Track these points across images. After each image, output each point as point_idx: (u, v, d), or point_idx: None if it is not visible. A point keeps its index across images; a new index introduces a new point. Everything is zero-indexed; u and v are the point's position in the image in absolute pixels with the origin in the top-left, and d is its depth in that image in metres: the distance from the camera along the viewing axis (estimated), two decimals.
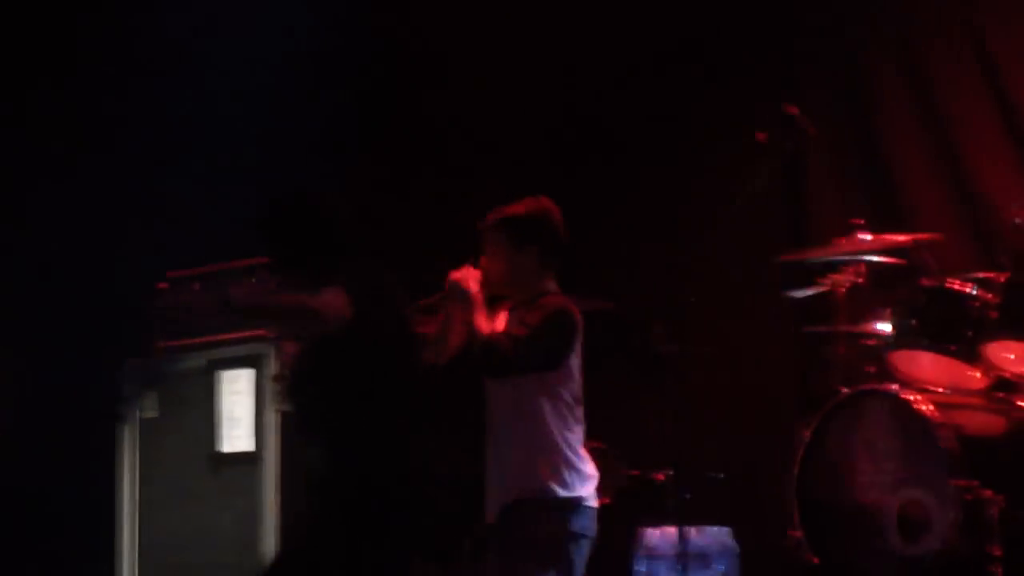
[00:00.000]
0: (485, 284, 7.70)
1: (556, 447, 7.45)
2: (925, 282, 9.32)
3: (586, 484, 7.44)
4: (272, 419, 9.55)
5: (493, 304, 7.81)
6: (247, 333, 9.71)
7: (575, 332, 7.58)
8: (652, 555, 9.48)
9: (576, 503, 7.44)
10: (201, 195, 11.15)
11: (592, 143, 11.48)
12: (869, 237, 9.62)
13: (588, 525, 7.44)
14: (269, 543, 9.41)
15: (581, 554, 7.45)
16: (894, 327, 9.34)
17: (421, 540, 7.14)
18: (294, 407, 7.36)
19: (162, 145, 11.38)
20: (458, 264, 7.69)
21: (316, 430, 7.11)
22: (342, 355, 6.98)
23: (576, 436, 7.51)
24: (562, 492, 7.41)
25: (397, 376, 7.20)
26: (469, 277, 7.66)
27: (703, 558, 9.63)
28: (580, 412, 7.58)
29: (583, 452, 7.51)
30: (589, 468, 7.49)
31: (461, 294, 7.63)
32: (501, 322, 7.72)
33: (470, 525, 9.53)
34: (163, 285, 10.11)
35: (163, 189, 11.11)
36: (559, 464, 7.42)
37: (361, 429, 7.02)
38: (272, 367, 9.57)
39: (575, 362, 7.59)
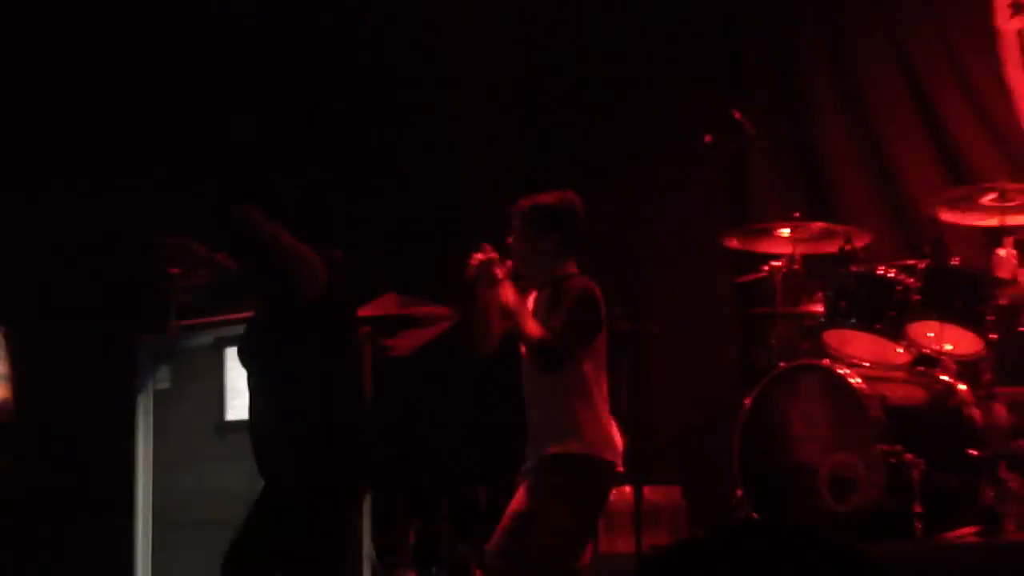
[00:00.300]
0: (517, 267, 7.77)
1: (586, 412, 7.56)
2: (854, 268, 9.23)
3: (610, 447, 7.55)
4: None
5: (518, 283, 7.89)
6: (251, 312, 9.62)
7: (600, 310, 7.68)
8: (609, 510, 9.44)
9: (597, 461, 7.54)
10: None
11: (555, 146, 11.47)
12: (805, 227, 9.59)
13: (607, 482, 7.61)
14: None
15: (599, 505, 7.68)
16: (826, 309, 9.26)
17: (364, 474, 7.03)
18: (255, 363, 7.14)
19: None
20: (477, 248, 7.78)
21: (277, 384, 6.94)
22: (306, 318, 6.85)
23: (603, 403, 7.64)
24: (589, 451, 7.51)
25: (348, 339, 7.09)
26: (493, 261, 7.78)
27: (656, 513, 9.58)
28: (604, 381, 7.70)
29: (608, 418, 7.63)
30: (614, 432, 7.60)
31: (490, 277, 7.75)
32: (531, 302, 7.81)
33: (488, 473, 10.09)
34: (175, 270, 10.01)
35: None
36: (588, 427, 7.54)
37: (318, 383, 6.87)
38: None
39: (600, 336, 7.70)
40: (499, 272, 7.85)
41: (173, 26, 11.32)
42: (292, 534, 6.91)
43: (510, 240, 7.84)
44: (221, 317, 9.77)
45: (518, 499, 7.65)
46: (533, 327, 7.55)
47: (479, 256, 7.87)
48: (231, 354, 9.61)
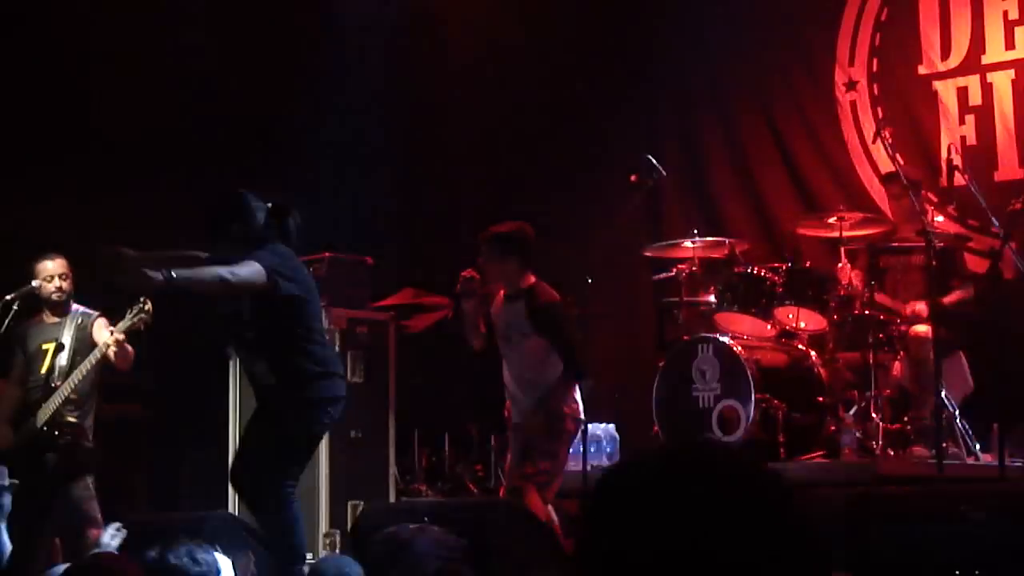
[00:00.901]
0: (483, 279, 7.78)
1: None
2: (737, 269, 9.30)
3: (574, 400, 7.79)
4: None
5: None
6: None
7: (570, 315, 7.88)
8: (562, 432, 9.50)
9: (567, 412, 7.80)
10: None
11: (517, 183, 11.43)
12: (702, 240, 9.60)
13: (576, 421, 7.83)
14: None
15: (573, 436, 7.85)
16: (717, 298, 9.29)
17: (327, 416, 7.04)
18: (242, 341, 7.12)
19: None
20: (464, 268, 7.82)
21: (260, 354, 6.93)
22: (269, 307, 6.75)
23: None
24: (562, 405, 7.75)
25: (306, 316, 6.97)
26: (475, 280, 7.83)
27: (598, 441, 9.70)
28: None
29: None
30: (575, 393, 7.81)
31: (472, 292, 7.85)
32: (498, 305, 7.78)
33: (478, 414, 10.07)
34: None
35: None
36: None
37: (289, 350, 6.86)
38: (324, 323, 9.54)
39: None
40: (477, 288, 8.02)
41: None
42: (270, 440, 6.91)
43: (480, 262, 7.98)
44: None
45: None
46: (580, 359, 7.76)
47: (464, 275, 8.01)
48: None
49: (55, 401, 8.28)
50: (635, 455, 2.16)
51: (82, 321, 8.46)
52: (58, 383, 8.29)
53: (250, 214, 6.89)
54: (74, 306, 8.52)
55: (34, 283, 8.42)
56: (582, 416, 7.95)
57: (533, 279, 7.89)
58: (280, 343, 6.91)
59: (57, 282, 8.44)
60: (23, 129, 10.23)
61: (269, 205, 7.01)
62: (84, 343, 8.38)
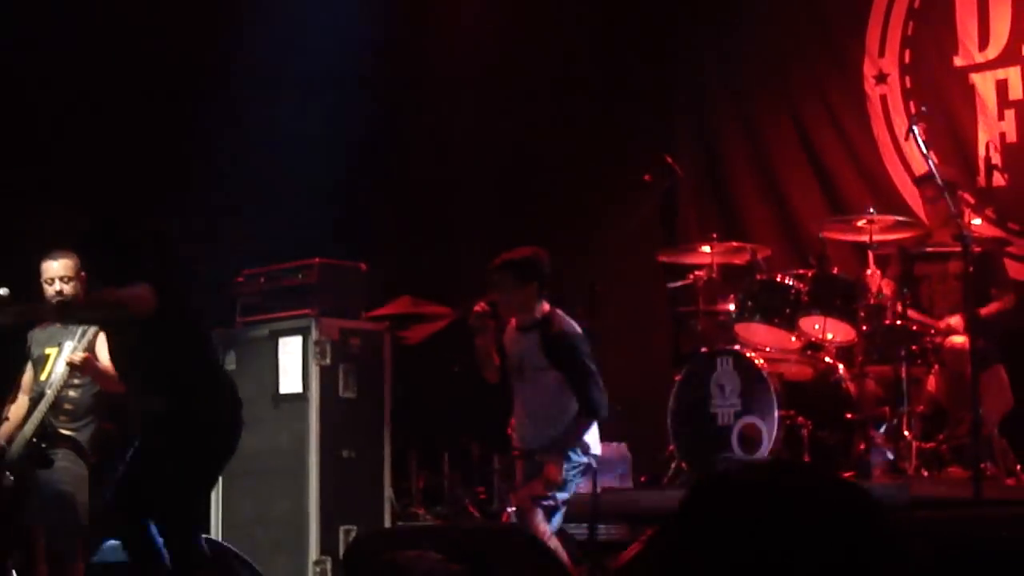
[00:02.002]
0: (498, 311, 7.72)
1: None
2: (758, 276, 9.28)
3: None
4: (314, 370, 9.53)
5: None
6: (298, 312, 9.72)
7: (586, 342, 7.74)
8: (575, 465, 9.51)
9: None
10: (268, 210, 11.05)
11: (522, 184, 11.44)
12: (721, 245, 9.64)
13: (583, 461, 7.71)
14: (312, 455, 9.44)
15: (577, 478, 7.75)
16: (737, 307, 9.27)
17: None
18: (132, 372, 7.11)
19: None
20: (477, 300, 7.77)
21: (152, 385, 6.90)
22: (157, 331, 6.73)
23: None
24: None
25: (201, 343, 7.04)
26: (486, 313, 7.79)
27: (609, 463, 9.54)
28: None
29: None
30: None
31: (484, 326, 7.79)
32: (510, 335, 7.78)
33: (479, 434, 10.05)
34: (240, 279, 10.15)
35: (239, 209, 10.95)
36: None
37: (182, 381, 6.86)
38: (314, 335, 9.58)
39: None
40: (491, 323, 7.92)
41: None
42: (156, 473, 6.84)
43: (495, 296, 7.81)
44: (274, 315, 9.85)
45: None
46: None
47: (476, 310, 7.96)
48: (283, 342, 9.69)
49: (41, 410, 8.25)
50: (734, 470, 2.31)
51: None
52: (49, 391, 8.27)
53: (131, 240, 6.93)
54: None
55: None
56: (597, 451, 7.91)
57: (548, 307, 7.83)
58: (169, 368, 6.89)
59: (58, 285, 8.33)
60: None
61: (154, 231, 7.09)
62: (89, 349, 8.27)
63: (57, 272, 8.36)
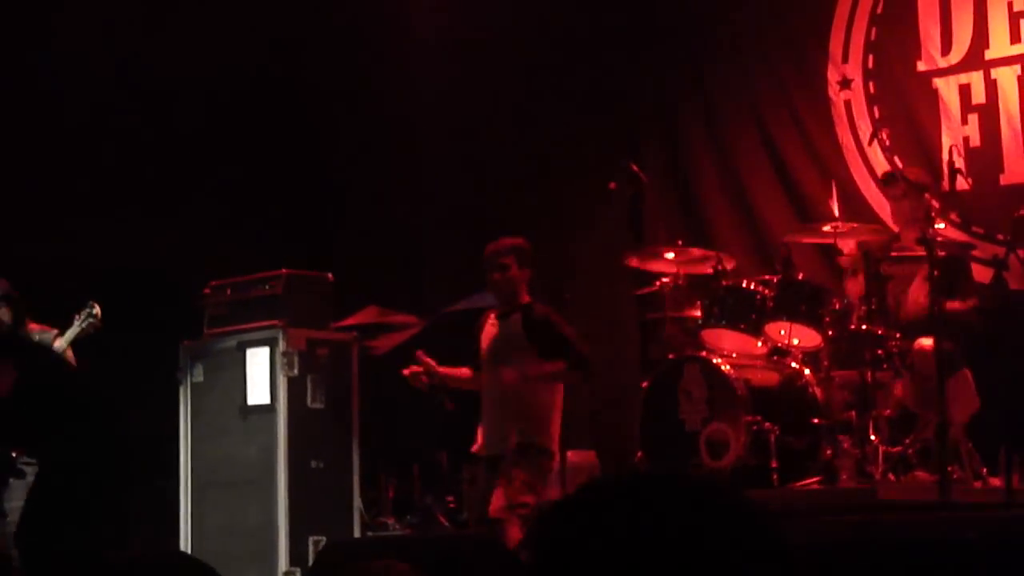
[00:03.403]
0: (499, 294, 7.82)
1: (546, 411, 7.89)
2: (724, 282, 9.28)
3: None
4: (282, 381, 9.56)
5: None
6: (265, 323, 9.74)
7: None
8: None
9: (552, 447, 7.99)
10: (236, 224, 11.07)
11: (488, 192, 11.45)
12: (685, 251, 9.64)
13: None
14: (281, 466, 9.45)
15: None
16: (703, 313, 9.28)
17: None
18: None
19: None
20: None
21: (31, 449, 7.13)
22: (23, 409, 6.78)
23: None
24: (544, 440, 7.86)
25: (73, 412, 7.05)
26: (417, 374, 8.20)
27: (577, 471, 9.46)
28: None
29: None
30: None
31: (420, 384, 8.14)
32: (489, 328, 7.83)
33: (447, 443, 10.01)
34: (207, 291, 10.16)
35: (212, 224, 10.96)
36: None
37: (54, 446, 6.94)
38: (281, 346, 9.60)
39: None
40: (424, 378, 8.22)
41: None
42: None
43: (496, 276, 7.98)
44: (241, 326, 9.89)
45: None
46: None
47: (407, 373, 8.30)
48: (251, 354, 9.75)
49: None
50: (583, 490, 2.19)
51: (38, 338, 8.48)
52: None
53: None
54: (32, 327, 8.52)
55: None
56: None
57: (528, 296, 7.97)
58: None
59: None
60: None
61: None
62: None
63: None
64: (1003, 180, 9.92)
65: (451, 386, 8.27)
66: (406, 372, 8.12)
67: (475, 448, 8.20)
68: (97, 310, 8.14)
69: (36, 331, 8.54)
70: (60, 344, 8.20)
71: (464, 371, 8.25)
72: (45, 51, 10.68)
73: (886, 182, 9.40)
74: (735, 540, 2.04)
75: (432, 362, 8.31)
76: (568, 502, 2.15)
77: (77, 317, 8.22)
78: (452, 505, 10.47)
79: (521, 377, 7.92)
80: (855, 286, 9.03)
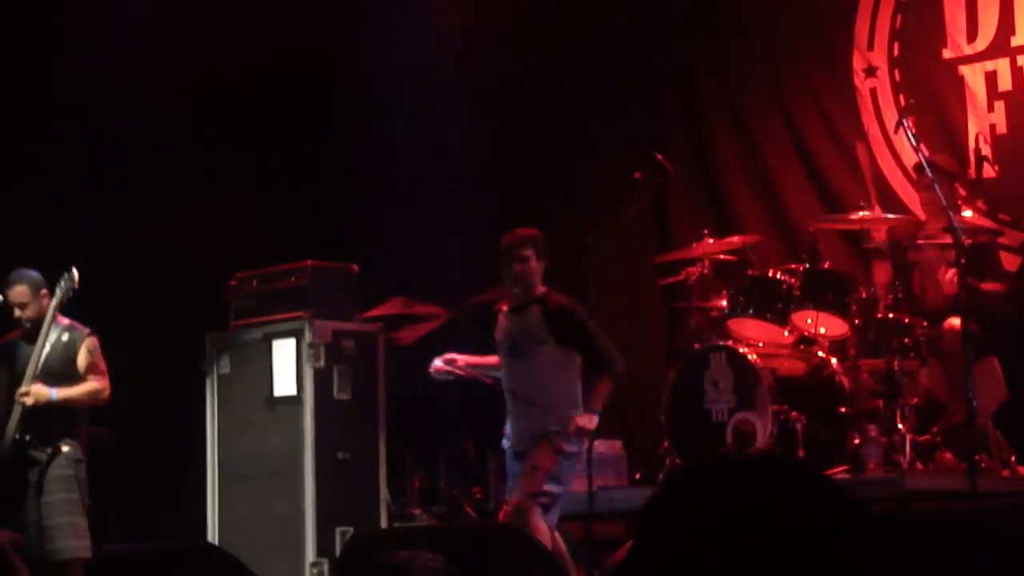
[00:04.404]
0: (518, 286, 7.81)
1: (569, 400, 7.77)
2: (750, 271, 9.32)
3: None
4: (308, 372, 9.57)
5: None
6: (291, 315, 9.76)
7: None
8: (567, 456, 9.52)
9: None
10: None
11: (522, 187, 11.39)
12: (712, 241, 9.65)
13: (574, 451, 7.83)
14: (308, 457, 9.47)
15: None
16: (729, 303, 9.28)
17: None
18: None
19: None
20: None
21: None
22: None
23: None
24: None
25: None
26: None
27: (604, 461, 9.59)
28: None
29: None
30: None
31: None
32: (501, 322, 7.84)
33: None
34: (233, 283, 10.18)
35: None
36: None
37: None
38: (307, 337, 9.61)
39: None
40: (455, 371, 8.19)
41: None
42: None
43: (518, 268, 7.99)
44: (267, 317, 9.90)
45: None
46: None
47: (433, 371, 8.23)
48: (276, 345, 9.75)
49: (13, 418, 8.41)
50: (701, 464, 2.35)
51: (68, 337, 8.56)
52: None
53: None
54: (62, 320, 8.55)
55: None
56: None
57: (544, 287, 7.96)
58: None
59: (17, 312, 8.59)
60: None
61: None
62: (61, 360, 8.51)
63: (13, 300, 8.58)
64: None
65: (484, 376, 8.25)
66: (433, 371, 8.13)
67: (504, 442, 8.16)
68: (74, 274, 8.24)
69: (58, 323, 8.57)
70: (35, 350, 8.38)
71: (494, 359, 8.23)
72: (68, 46, 10.69)
73: (918, 170, 9.35)
74: (816, 517, 2.23)
75: (455, 358, 8.26)
76: (661, 497, 2.32)
77: (58, 285, 8.32)
78: (478, 495, 10.49)
79: (541, 368, 7.89)
80: (882, 274, 9.04)
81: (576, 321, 7.83)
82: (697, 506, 2.20)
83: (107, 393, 8.57)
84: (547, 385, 7.83)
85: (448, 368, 8.21)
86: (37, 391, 8.34)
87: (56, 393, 8.38)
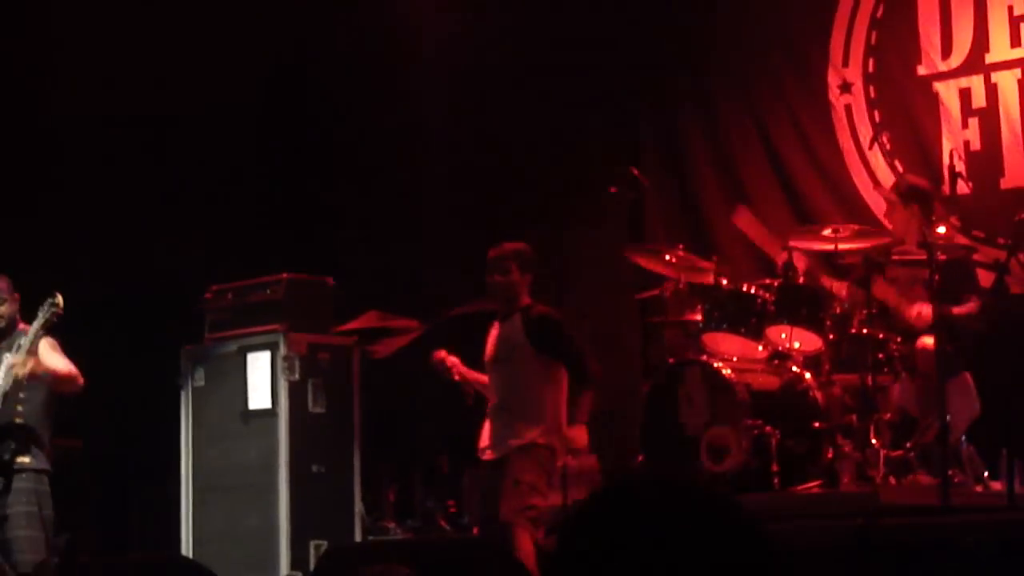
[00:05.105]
0: (499, 298, 7.88)
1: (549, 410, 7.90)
2: (725, 286, 9.28)
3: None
4: (283, 386, 9.55)
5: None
6: (266, 327, 9.75)
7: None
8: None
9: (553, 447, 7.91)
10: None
11: (498, 202, 11.36)
12: (687, 256, 9.56)
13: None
14: (282, 470, 9.46)
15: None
16: (704, 317, 9.25)
17: None
18: None
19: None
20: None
21: None
22: None
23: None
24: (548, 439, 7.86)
25: None
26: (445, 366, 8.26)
27: (579, 475, 9.48)
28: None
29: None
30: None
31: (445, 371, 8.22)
32: (494, 332, 7.90)
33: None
34: (208, 295, 10.16)
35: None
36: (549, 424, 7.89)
37: None
38: (283, 350, 9.60)
39: None
40: (450, 365, 8.25)
41: None
42: None
43: (497, 279, 8.02)
44: (242, 330, 9.89)
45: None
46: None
47: (433, 359, 8.25)
48: (252, 358, 9.74)
49: None
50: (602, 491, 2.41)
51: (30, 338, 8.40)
52: None
53: None
54: (23, 326, 8.48)
55: None
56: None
57: (529, 299, 8.05)
58: None
59: None
60: None
61: None
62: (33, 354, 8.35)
63: None
64: (1004, 184, 9.93)
65: (469, 387, 8.30)
66: (437, 356, 8.15)
67: (479, 450, 8.18)
68: (59, 299, 8.13)
69: (22, 331, 8.47)
70: (25, 340, 8.20)
71: (484, 377, 8.29)
72: (56, 57, 10.68)
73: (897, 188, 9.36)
74: (722, 546, 2.20)
75: (458, 360, 8.34)
76: (574, 516, 2.36)
77: (41, 308, 8.21)
78: (453, 509, 10.50)
79: (523, 376, 7.94)
80: (856, 290, 9.03)
81: (555, 330, 7.91)
82: (608, 527, 2.27)
83: (81, 382, 8.40)
84: (525, 393, 7.90)
85: (446, 364, 8.24)
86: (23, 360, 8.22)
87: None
